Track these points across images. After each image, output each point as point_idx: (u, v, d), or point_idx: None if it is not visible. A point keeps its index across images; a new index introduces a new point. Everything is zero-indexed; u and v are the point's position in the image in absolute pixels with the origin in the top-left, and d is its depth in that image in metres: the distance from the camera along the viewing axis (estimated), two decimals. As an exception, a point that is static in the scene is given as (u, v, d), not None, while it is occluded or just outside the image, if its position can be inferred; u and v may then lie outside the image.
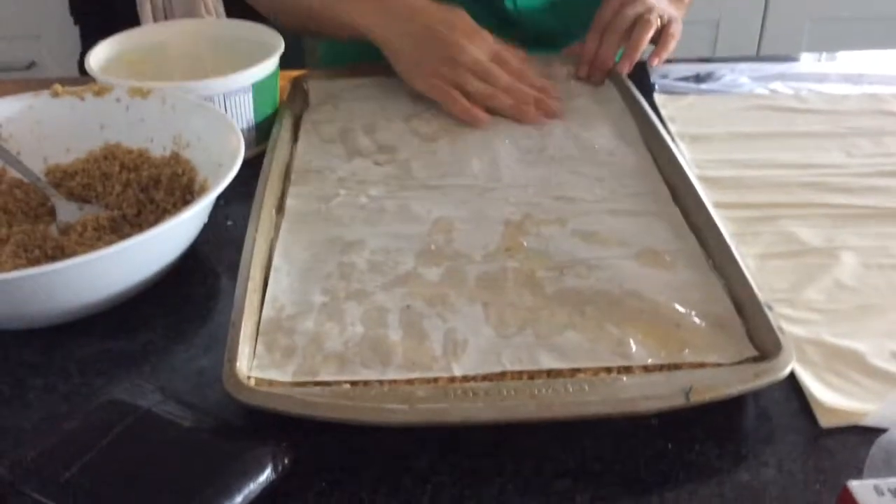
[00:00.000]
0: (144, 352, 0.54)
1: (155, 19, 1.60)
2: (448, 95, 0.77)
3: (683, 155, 0.70)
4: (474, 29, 0.78)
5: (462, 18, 0.78)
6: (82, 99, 0.70)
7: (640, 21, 0.84)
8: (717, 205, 0.62)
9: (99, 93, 0.70)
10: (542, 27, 0.94)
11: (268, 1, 0.91)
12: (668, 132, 0.74)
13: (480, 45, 0.77)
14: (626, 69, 0.84)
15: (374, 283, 0.57)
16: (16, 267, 0.58)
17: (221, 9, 1.63)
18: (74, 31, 1.77)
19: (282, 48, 0.77)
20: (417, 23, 0.78)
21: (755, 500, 0.44)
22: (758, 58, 0.92)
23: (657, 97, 0.85)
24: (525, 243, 0.61)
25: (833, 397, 0.49)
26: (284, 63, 0.79)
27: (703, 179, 0.67)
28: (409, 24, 0.78)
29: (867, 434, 0.46)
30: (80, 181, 0.68)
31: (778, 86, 0.86)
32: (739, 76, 0.89)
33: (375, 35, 0.79)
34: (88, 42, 1.78)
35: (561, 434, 0.48)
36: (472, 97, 0.76)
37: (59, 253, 0.60)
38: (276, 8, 0.90)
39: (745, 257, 0.57)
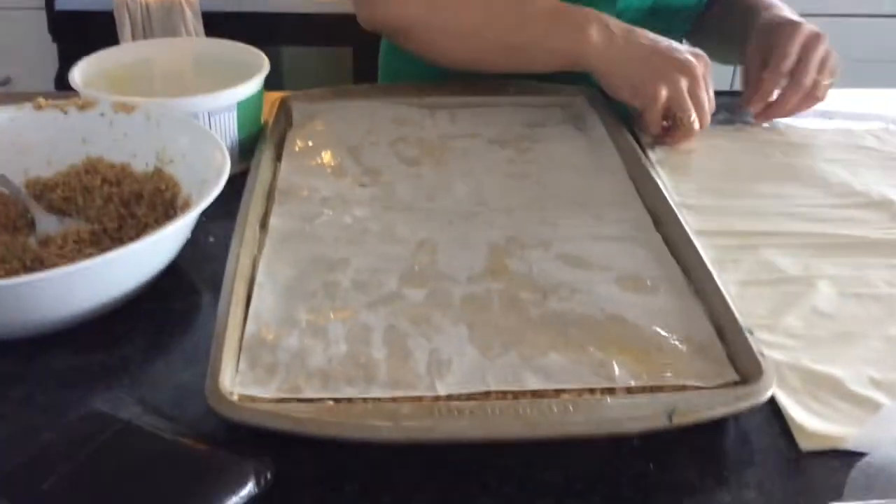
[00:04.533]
0: (124, 365, 0.53)
1: (134, 38, 1.60)
2: (685, 98, 0.77)
3: (664, 183, 0.71)
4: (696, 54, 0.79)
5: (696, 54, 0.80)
6: (65, 113, 0.70)
7: (824, 70, 0.83)
8: (698, 232, 0.63)
9: (83, 107, 0.70)
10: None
11: (443, 43, 0.87)
12: (649, 160, 0.75)
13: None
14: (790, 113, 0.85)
15: (359, 303, 0.57)
16: (-6, 278, 0.57)
17: (201, 28, 1.64)
18: (52, 49, 1.77)
19: (267, 68, 0.77)
20: (646, 48, 0.79)
21: (737, 522, 0.44)
22: (733, 93, 0.93)
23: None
24: (509, 266, 0.61)
25: (813, 421, 0.49)
26: (265, 85, 0.80)
27: (683, 207, 0.68)
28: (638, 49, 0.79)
29: (847, 458, 0.47)
30: (61, 194, 0.67)
31: (752, 119, 0.88)
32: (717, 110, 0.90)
33: (598, 63, 0.80)
34: (67, 59, 1.77)
35: (545, 453, 0.48)
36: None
37: (38, 265, 0.59)
38: (450, 47, 0.87)
39: (726, 283, 0.57)
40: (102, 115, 0.69)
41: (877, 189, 0.73)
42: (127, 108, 0.69)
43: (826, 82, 0.84)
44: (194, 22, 1.60)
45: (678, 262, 0.61)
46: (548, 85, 0.89)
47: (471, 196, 0.71)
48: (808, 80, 0.82)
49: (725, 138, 0.83)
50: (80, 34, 1.69)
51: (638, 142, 0.79)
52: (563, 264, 0.62)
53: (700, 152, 0.80)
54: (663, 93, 0.77)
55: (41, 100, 0.70)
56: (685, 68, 0.77)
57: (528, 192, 0.71)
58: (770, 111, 0.85)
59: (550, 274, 0.60)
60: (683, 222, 0.63)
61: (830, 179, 0.75)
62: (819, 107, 0.86)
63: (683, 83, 0.77)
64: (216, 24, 1.66)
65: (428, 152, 0.78)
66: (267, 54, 0.81)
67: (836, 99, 0.87)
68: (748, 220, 0.69)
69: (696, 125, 0.78)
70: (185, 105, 0.70)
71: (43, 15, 1.74)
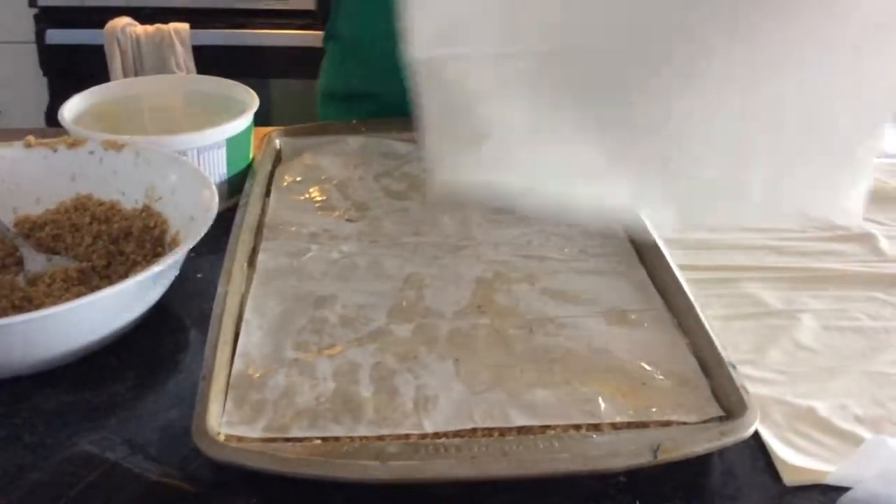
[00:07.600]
0: (112, 404, 0.53)
1: (125, 74, 1.61)
2: None
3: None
4: None
5: None
6: (55, 150, 0.70)
7: None
8: (682, 266, 0.64)
9: (72, 145, 0.70)
10: None
11: None
12: (634, 195, 0.76)
13: None
14: None
15: (346, 339, 0.57)
16: (-19, 317, 0.57)
17: (192, 65, 1.65)
18: (42, 83, 1.77)
19: (256, 105, 0.78)
20: None
21: (722, 558, 0.44)
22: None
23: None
24: (496, 301, 0.61)
25: (796, 456, 0.50)
26: (254, 120, 0.80)
27: (667, 241, 0.69)
28: None
29: (831, 492, 0.47)
30: (50, 232, 0.67)
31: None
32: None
33: None
34: (57, 94, 1.79)
35: (531, 490, 0.48)
36: None
37: (27, 304, 0.59)
38: None
39: (710, 318, 0.58)
40: (92, 152, 0.70)
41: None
42: (116, 146, 0.70)
43: None
44: (185, 56, 1.61)
45: (662, 296, 0.62)
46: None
47: (458, 230, 0.71)
48: None
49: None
50: (71, 68, 1.70)
51: (623, 176, 0.80)
52: (549, 298, 0.62)
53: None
54: None
55: (31, 138, 0.70)
56: None
57: (515, 227, 0.72)
58: None
59: (536, 308, 0.61)
60: (667, 256, 0.64)
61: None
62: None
63: None
64: (207, 58, 1.67)
65: (414, 186, 0.79)
66: (255, 86, 0.82)
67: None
68: (731, 254, 0.70)
69: None
70: (174, 142, 0.71)
71: (33, 49, 1.75)
